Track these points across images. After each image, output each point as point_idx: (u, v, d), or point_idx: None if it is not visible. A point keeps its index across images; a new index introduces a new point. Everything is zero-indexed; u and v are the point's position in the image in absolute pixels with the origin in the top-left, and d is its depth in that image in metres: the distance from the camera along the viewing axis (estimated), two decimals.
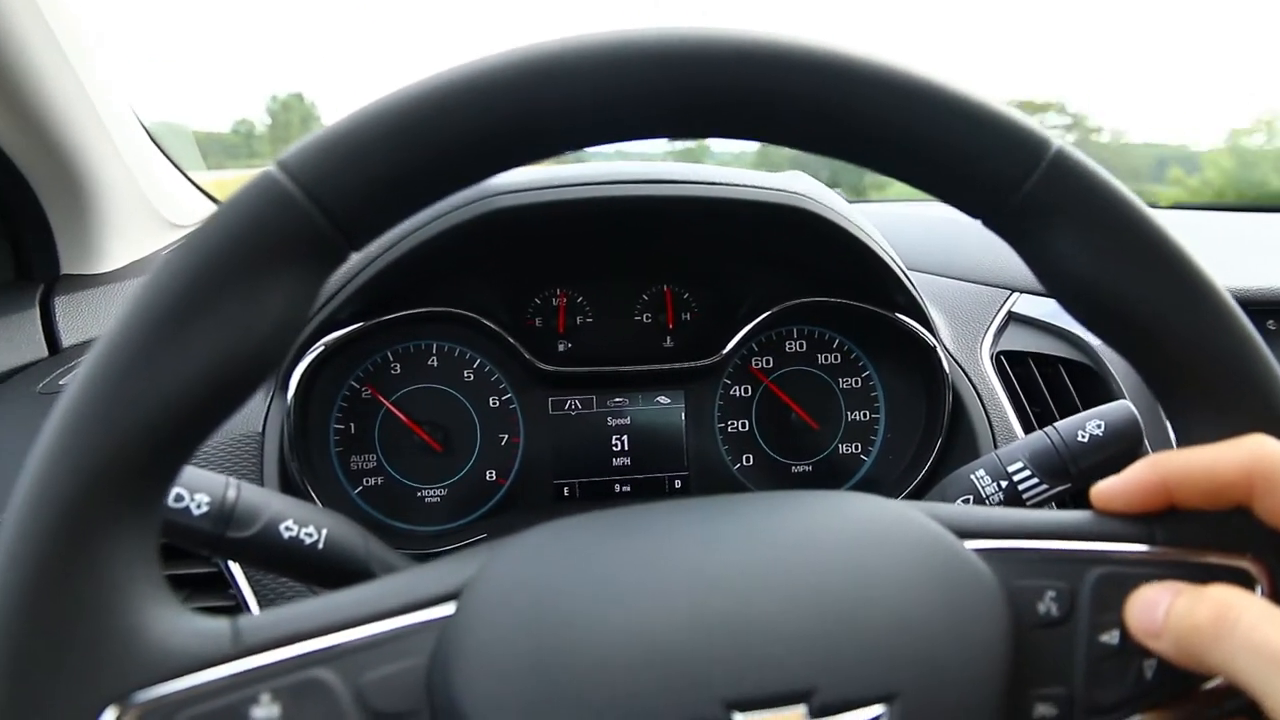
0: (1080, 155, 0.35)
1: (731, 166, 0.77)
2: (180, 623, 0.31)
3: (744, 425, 0.86)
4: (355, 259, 0.73)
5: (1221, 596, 0.32)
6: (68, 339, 0.84)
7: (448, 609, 0.33)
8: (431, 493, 0.81)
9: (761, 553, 0.35)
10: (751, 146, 0.45)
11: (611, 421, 0.84)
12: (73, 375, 0.31)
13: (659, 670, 0.31)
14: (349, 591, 0.34)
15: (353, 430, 0.80)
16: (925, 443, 0.83)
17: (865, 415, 0.87)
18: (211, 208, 1.19)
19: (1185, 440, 0.37)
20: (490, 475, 0.82)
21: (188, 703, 0.30)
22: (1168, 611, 0.33)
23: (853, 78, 0.34)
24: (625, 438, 0.85)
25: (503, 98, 0.32)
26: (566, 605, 0.32)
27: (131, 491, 0.30)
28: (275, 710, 0.30)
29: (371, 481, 0.80)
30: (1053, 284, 0.37)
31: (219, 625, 0.31)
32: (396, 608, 0.33)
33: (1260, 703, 0.31)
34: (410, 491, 0.81)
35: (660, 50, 0.33)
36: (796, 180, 0.76)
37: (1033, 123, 0.35)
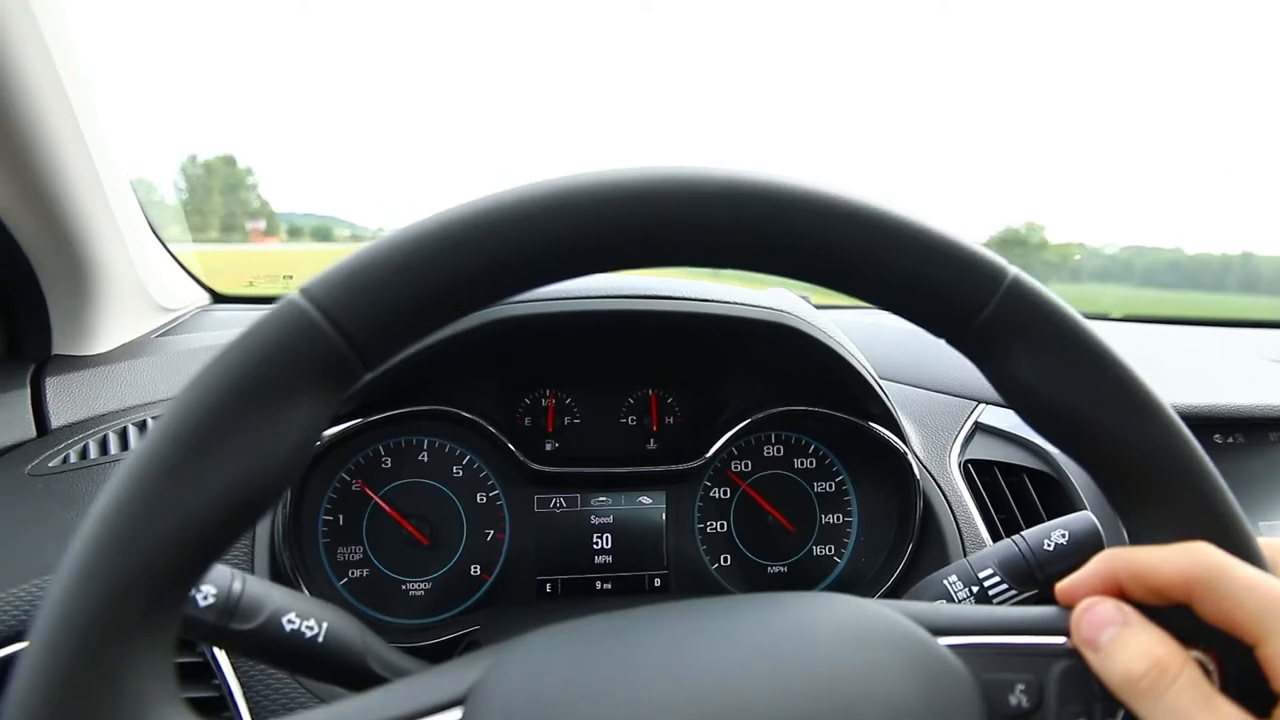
0: (1034, 282, 0.38)
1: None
2: None
3: (722, 526, 0.89)
4: None
5: (1161, 656, 0.36)
6: (57, 420, 0.85)
7: (454, 715, 0.34)
8: (416, 586, 0.82)
9: (751, 653, 0.37)
10: None
11: (594, 520, 0.87)
12: (101, 492, 0.32)
13: None
14: (355, 700, 0.35)
15: (341, 522, 0.81)
16: (897, 546, 0.86)
17: (839, 518, 0.90)
18: (197, 290, 1.21)
19: (1135, 539, 0.40)
20: (474, 570, 0.84)
21: None
22: (1112, 640, 0.37)
23: (830, 214, 0.37)
24: (608, 536, 0.87)
25: (508, 233, 0.35)
26: (570, 710, 0.34)
27: (151, 608, 0.32)
28: None
29: (357, 573, 0.81)
30: (1012, 399, 0.40)
31: None
32: (404, 715, 0.34)
33: None
34: (395, 584, 0.82)
35: (652, 191, 0.36)
36: (780, 297, 0.80)
37: (990, 253, 0.38)
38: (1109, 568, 0.39)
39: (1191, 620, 0.37)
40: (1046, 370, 0.38)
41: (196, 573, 0.33)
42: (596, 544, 0.86)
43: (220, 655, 0.67)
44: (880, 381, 0.84)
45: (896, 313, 0.40)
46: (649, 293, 0.75)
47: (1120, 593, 0.39)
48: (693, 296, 0.76)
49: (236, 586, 0.51)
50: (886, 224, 0.38)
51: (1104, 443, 0.39)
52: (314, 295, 0.34)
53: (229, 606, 0.51)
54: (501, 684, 0.35)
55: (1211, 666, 0.37)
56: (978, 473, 0.89)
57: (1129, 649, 0.36)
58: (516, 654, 0.37)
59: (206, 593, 0.51)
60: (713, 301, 0.76)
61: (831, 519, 0.90)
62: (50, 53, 0.75)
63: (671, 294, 0.76)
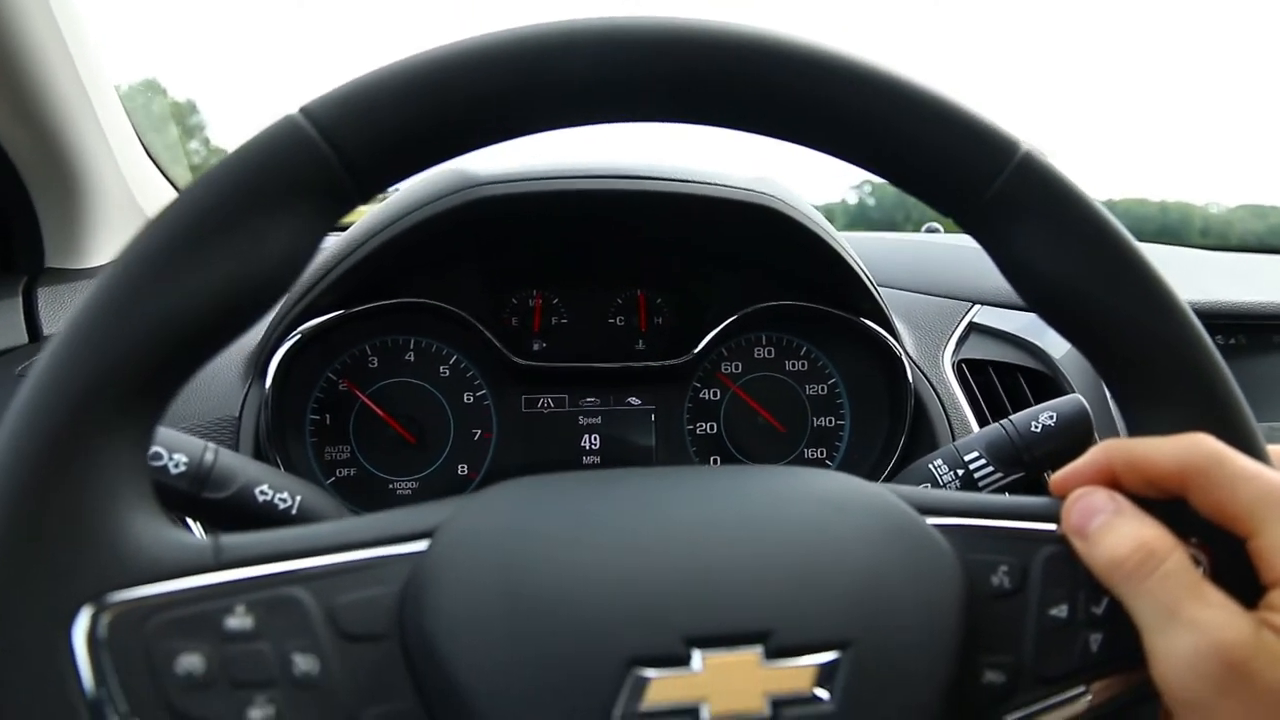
0: (1046, 158, 0.37)
1: None
2: (164, 534, 0.32)
3: (712, 428, 0.88)
4: (336, 247, 0.75)
5: (1149, 539, 0.35)
6: (49, 328, 0.86)
7: (420, 545, 0.34)
8: (403, 485, 0.83)
9: (730, 508, 0.37)
10: None
11: (582, 420, 0.86)
12: (88, 287, 0.32)
13: (624, 606, 0.32)
14: (328, 523, 0.35)
15: (328, 421, 0.81)
16: (888, 447, 0.85)
17: (830, 421, 0.89)
18: None
19: (1134, 429, 0.39)
20: (462, 469, 0.84)
21: (163, 607, 0.31)
22: (1101, 526, 0.36)
23: (837, 75, 0.36)
24: (595, 437, 0.86)
25: (510, 69, 0.34)
26: (537, 545, 0.34)
27: (130, 403, 0.32)
28: (249, 621, 0.31)
29: (345, 472, 0.81)
30: (1016, 278, 0.39)
31: (201, 540, 0.33)
32: (371, 539, 0.34)
33: (1145, 648, 0.34)
34: (383, 483, 0.82)
35: (657, 36, 0.35)
36: (766, 181, 0.79)
37: (1003, 125, 0.37)
38: (1105, 458, 0.38)
39: (1187, 514, 0.36)
40: (1055, 250, 0.37)
41: (178, 375, 0.33)
42: (585, 445, 0.86)
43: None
44: (870, 276, 0.83)
45: (899, 184, 0.39)
46: (628, 171, 0.74)
47: (1115, 484, 0.38)
48: (672, 176, 0.75)
49: (209, 457, 0.52)
50: (892, 86, 0.36)
51: (1109, 328, 0.38)
52: (312, 112, 0.34)
53: (200, 474, 0.51)
54: (469, 520, 0.35)
55: (1203, 560, 0.36)
56: (971, 372, 0.88)
57: (1117, 533, 0.35)
58: (486, 497, 0.37)
59: (178, 460, 0.51)
60: (693, 181, 0.75)
61: (823, 421, 0.89)
62: None
63: (650, 173, 0.75)
